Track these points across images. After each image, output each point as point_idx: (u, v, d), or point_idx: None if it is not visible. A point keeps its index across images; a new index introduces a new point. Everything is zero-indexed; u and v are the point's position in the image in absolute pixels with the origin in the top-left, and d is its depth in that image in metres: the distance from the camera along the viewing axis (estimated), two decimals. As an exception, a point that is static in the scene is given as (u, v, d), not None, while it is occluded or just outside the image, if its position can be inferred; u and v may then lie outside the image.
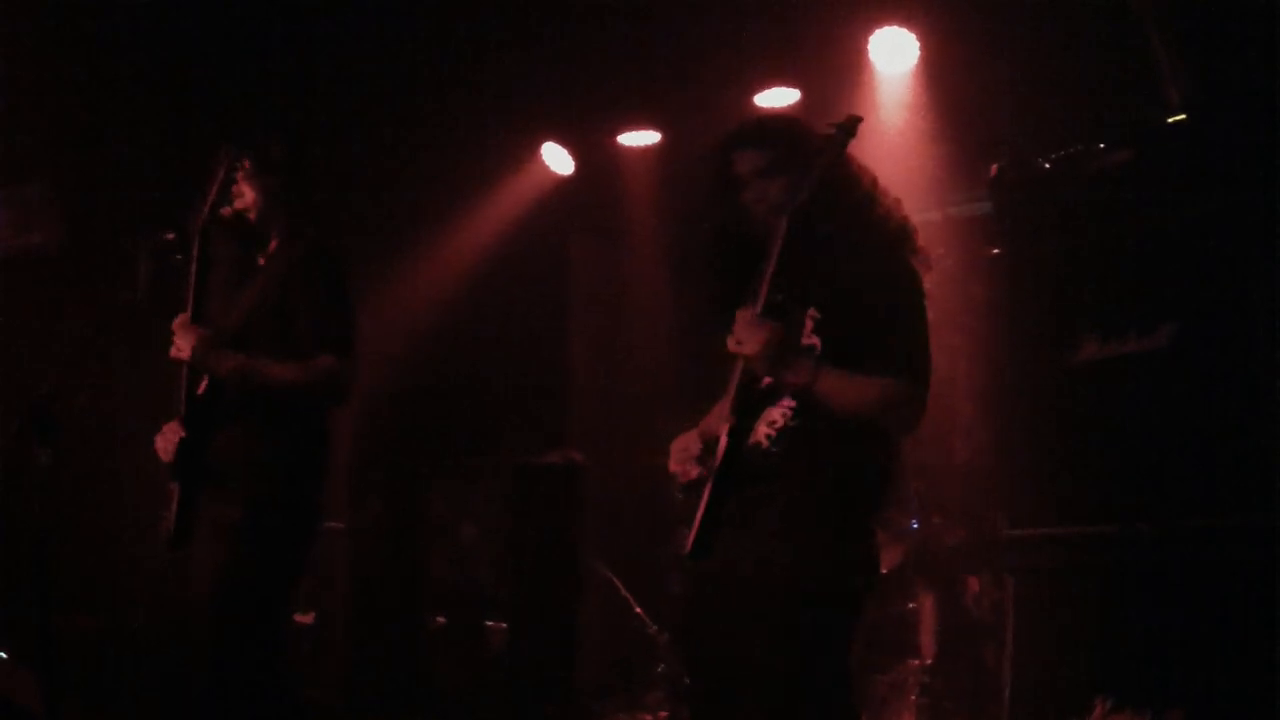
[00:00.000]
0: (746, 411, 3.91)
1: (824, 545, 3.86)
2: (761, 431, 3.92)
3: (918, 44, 7.20)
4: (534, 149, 8.78)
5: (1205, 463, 4.57)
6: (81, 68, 7.32)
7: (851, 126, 3.88)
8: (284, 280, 4.85)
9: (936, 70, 7.25)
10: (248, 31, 7.22)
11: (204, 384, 4.73)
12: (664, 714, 7.10)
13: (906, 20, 7.14)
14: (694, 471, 4.01)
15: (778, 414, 3.92)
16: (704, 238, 4.27)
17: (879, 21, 7.18)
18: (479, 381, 9.13)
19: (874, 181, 4.12)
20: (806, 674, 3.83)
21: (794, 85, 7.76)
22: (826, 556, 3.86)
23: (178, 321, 4.72)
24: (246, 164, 4.91)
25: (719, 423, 3.96)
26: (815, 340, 3.91)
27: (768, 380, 3.89)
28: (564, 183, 8.94)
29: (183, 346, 4.67)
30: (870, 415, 3.90)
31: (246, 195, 4.92)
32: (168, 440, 4.76)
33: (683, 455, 4.07)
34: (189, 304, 4.74)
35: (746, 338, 3.79)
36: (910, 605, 7.24)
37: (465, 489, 8.71)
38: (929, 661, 7.01)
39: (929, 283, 4.07)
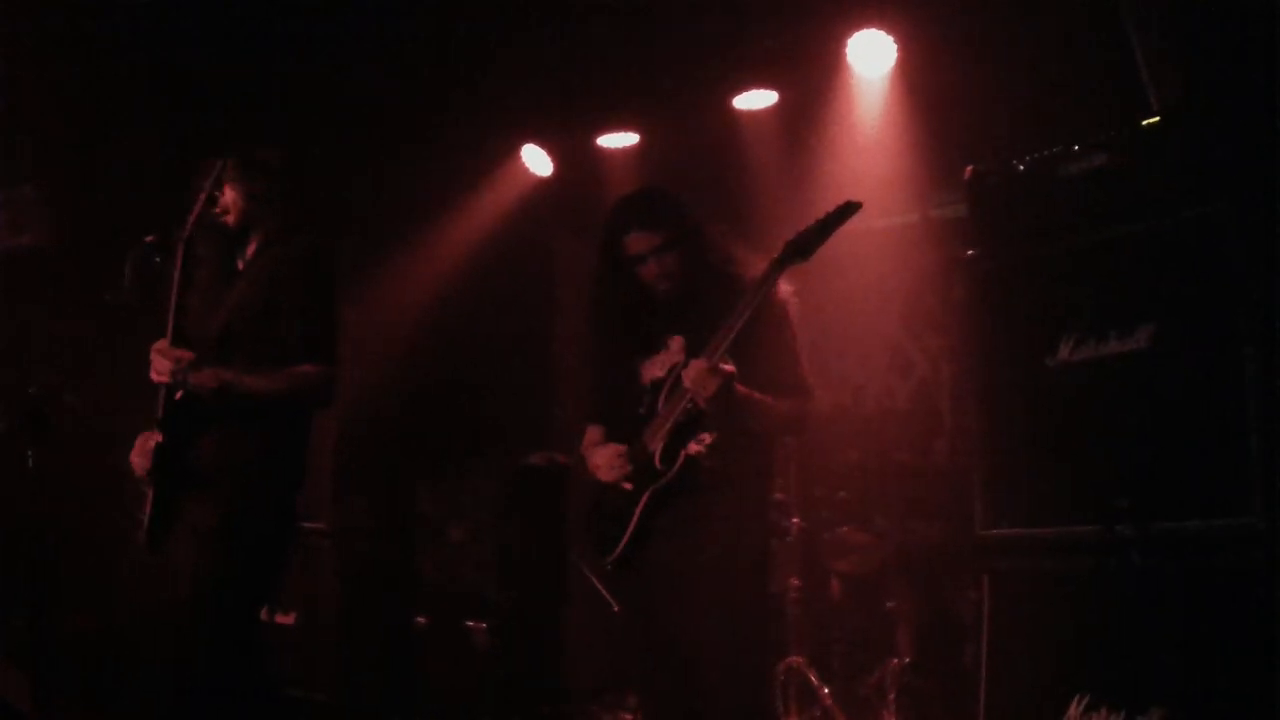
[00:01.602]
0: (680, 435, 4.51)
1: (759, 540, 4.68)
2: (693, 447, 4.52)
3: (895, 46, 7.22)
4: (513, 151, 8.79)
5: (1183, 464, 4.60)
6: (75, 69, 7.31)
7: (850, 210, 4.40)
8: (268, 283, 4.87)
9: (914, 73, 7.27)
10: (235, 37, 7.22)
11: (180, 390, 4.75)
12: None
13: (884, 23, 7.14)
14: (627, 484, 4.58)
15: (707, 434, 4.52)
16: (602, 305, 4.87)
17: (857, 24, 7.19)
18: (464, 383, 9.12)
19: None
20: (754, 645, 4.63)
21: (772, 87, 7.79)
22: (763, 550, 4.71)
23: (156, 346, 4.74)
24: (230, 167, 4.94)
25: (648, 439, 4.55)
26: (730, 367, 4.46)
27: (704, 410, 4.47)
28: (544, 184, 8.95)
29: (162, 370, 4.71)
30: (785, 430, 4.91)
31: (228, 197, 4.95)
32: (143, 452, 4.78)
33: (615, 469, 4.61)
34: (168, 325, 4.77)
35: (701, 384, 4.37)
36: (890, 605, 7.28)
37: (452, 490, 8.72)
38: (908, 660, 7.04)
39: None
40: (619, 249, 4.66)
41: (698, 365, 4.37)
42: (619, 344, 4.75)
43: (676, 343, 4.62)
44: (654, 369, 4.65)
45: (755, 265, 4.59)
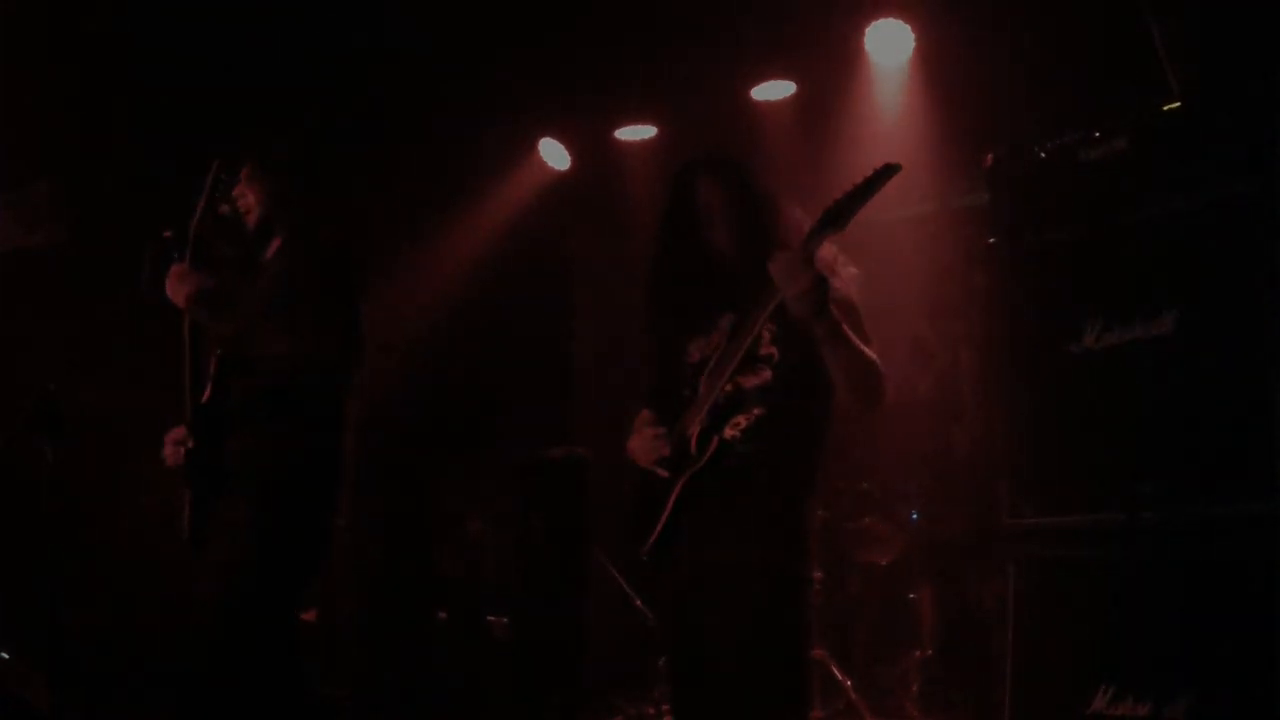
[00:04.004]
0: (720, 417, 4.27)
1: (794, 534, 4.29)
2: (728, 432, 4.27)
3: (913, 35, 7.21)
4: (532, 145, 8.79)
5: (1208, 451, 4.57)
6: (86, 66, 7.32)
7: (890, 172, 4.05)
8: (288, 279, 4.86)
9: (932, 61, 7.27)
10: (249, 31, 7.22)
11: (208, 391, 4.75)
12: (667, 707, 7.11)
13: (902, 12, 7.16)
14: (663, 471, 4.36)
15: (743, 417, 4.27)
16: (659, 277, 4.61)
17: (875, 13, 7.20)
18: (483, 377, 9.13)
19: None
20: (787, 646, 4.24)
21: (790, 78, 7.79)
22: (797, 544, 4.30)
23: (174, 270, 4.78)
24: (248, 166, 4.94)
25: (687, 422, 4.32)
26: (773, 350, 4.28)
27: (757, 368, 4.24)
28: (562, 178, 8.95)
29: (177, 294, 4.73)
30: (862, 375, 4.23)
31: (249, 196, 4.95)
32: (175, 447, 4.78)
33: (651, 452, 4.40)
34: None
35: (789, 277, 4.00)
36: (912, 596, 7.27)
37: (471, 484, 8.72)
38: (931, 652, 7.03)
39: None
40: (687, 197, 4.48)
41: (786, 255, 4.04)
42: (673, 322, 4.54)
43: (726, 322, 4.38)
44: (703, 348, 4.45)
45: None
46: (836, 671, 6.89)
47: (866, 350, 4.22)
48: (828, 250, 4.32)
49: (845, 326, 4.11)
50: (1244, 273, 4.54)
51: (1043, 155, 5.24)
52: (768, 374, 4.27)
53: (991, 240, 5.41)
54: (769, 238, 4.29)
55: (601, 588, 8.08)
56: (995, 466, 5.29)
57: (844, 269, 4.41)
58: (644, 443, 4.43)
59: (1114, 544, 4.74)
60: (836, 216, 4.02)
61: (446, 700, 8.02)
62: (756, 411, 4.27)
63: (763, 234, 4.34)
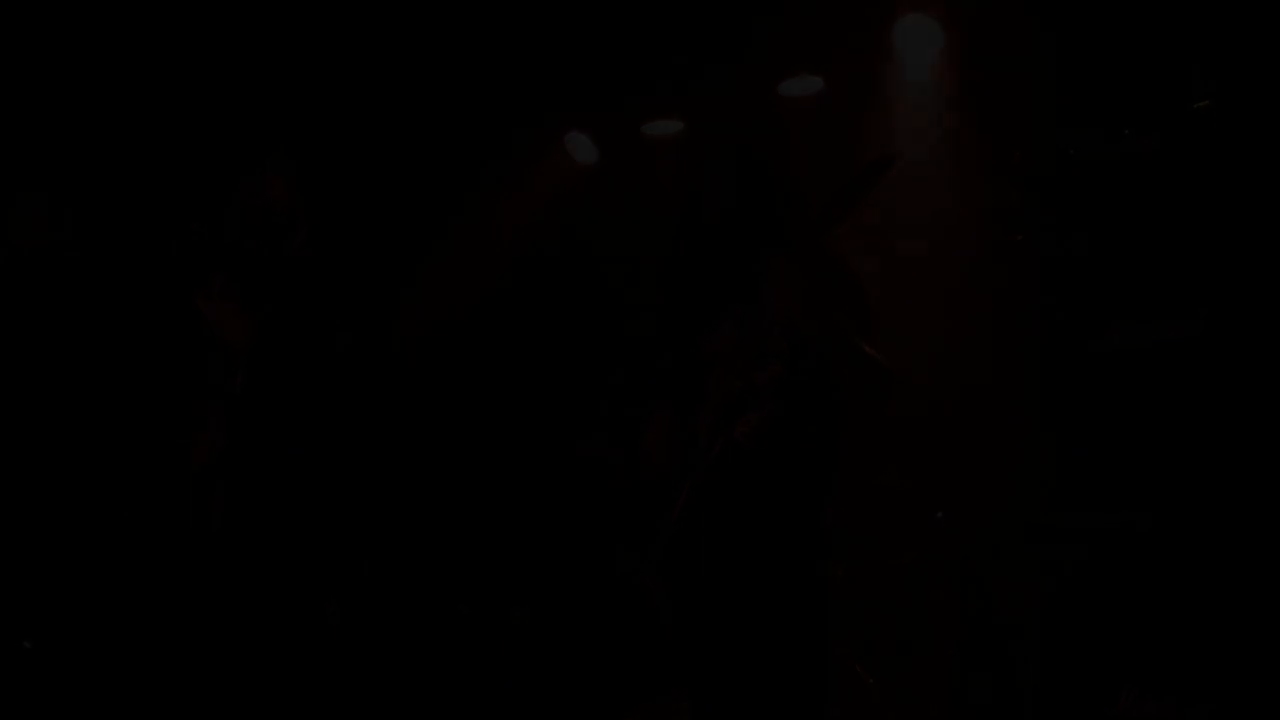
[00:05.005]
0: (731, 414, 4.22)
1: (810, 535, 4.27)
2: (739, 431, 4.21)
3: (942, 31, 7.19)
4: (558, 139, 8.79)
5: (1235, 452, 4.56)
6: (101, 67, 7.32)
7: (885, 166, 4.07)
8: (313, 272, 4.88)
9: (961, 57, 7.24)
10: (270, 24, 7.22)
11: (237, 384, 4.77)
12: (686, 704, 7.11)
13: (931, 7, 7.13)
14: (676, 468, 4.32)
15: (755, 414, 4.20)
16: (676, 254, 4.54)
17: (903, 9, 7.18)
18: (508, 370, 9.14)
19: None
20: (807, 644, 4.21)
21: (818, 73, 7.77)
22: (815, 543, 4.28)
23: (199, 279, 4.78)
24: (275, 159, 4.96)
25: (699, 421, 4.29)
26: (784, 344, 4.18)
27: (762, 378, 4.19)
28: (588, 172, 8.95)
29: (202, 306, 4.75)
30: (868, 378, 4.14)
31: (277, 189, 4.96)
32: (205, 445, 4.80)
33: (663, 453, 4.38)
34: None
35: (791, 276, 4.02)
36: (935, 594, 7.25)
37: (495, 477, 8.73)
38: (954, 651, 7.01)
39: None
40: (706, 190, 4.40)
41: (788, 253, 4.01)
42: (690, 316, 4.52)
43: (738, 316, 4.31)
44: (713, 344, 4.48)
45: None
46: (857, 670, 6.88)
47: (875, 353, 4.14)
48: (840, 247, 4.32)
49: (854, 327, 4.07)
50: (1272, 272, 4.53)
51: (1071, 153, 5.23)
52: (779, 368, 4.20)
53: (1019, 238, 5.40)
54: (785, 233, 4.26)
55: (622, 583, 8.09)
56: (1021, 465, 5.28)
57: (858, 266, 4.38)
58: (658, 439, 4.41)
59: (1139, 545, 4.73)
60: (834, 211, 4.00)
61: (465, 695, 8.03)
62: (769, 408, 4.21)
63: (779, 229, 4.30)
